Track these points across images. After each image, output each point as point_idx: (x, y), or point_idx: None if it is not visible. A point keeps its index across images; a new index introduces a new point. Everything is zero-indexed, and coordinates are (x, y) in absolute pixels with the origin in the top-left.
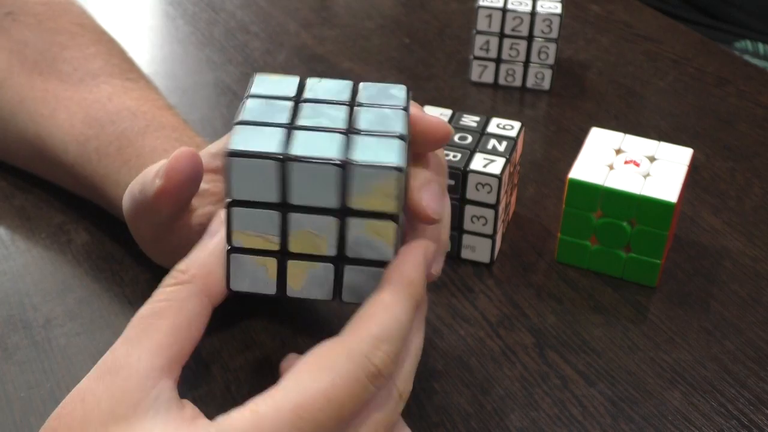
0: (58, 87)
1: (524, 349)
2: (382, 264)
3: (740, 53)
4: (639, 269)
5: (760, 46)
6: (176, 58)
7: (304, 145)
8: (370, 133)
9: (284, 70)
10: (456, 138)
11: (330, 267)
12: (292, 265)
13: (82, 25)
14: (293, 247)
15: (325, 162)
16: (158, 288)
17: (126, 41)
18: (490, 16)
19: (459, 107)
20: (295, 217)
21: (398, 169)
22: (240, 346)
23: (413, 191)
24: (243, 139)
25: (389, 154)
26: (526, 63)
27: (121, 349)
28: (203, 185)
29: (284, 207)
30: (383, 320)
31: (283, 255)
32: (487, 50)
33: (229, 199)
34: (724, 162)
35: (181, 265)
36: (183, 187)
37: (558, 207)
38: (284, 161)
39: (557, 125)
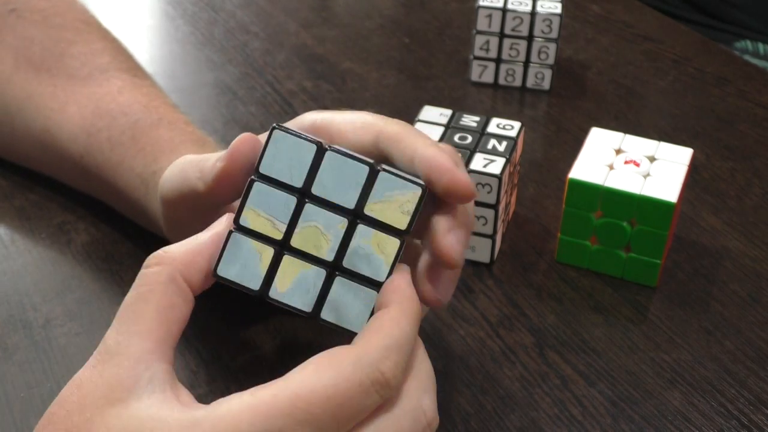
0: (66, 82)
1: (524, 349)
2: (372, 284)
3: (740, 53)
4: (639, 269)
5: (760, 46)
6: (176, 58)
7: (337, 151)
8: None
9: (284, 70)
10: (456, 138)
11: (322, 273)
12: (287, 261)
13: (87, 22)
14: (296, 241)
15: (359, 159)
16: (141, 270)
17: (126, 41)
18: (490, 16)
19: (459, 107)
20: (309, 208)
21: (422, 186)
22: (240, 346)
23: (439, 234)
24: (285, 127)
25: (414, 177)
26: (526, 63)
27: (112, 338)
28: None
29: (304, 195)
30: (392, 332)
31: (282, 247)
32: (487, 50)
33: (254, 175)
34: (724, 162)
35: (164, 248)
36: (244, 170)
37: (558, 207)
38: (322, 147)
39: (557, 125)
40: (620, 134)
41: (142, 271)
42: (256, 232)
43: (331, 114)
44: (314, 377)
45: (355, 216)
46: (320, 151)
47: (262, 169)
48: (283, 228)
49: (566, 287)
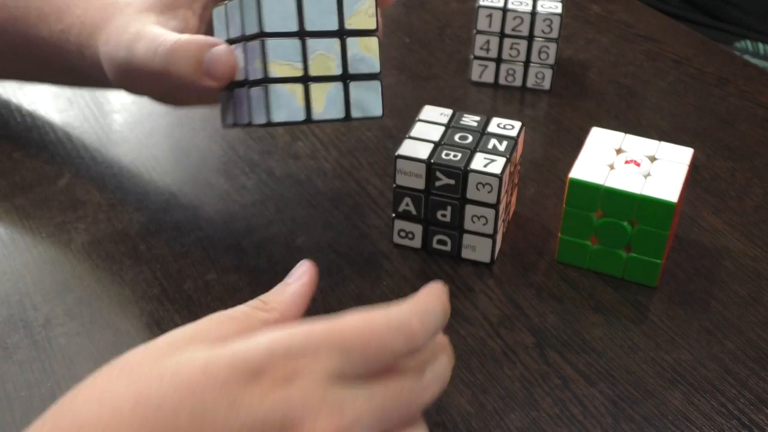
0: None
1: (524, 349)
2: (374, 77)
3: (740, 53)
4: (639, 269)
5: (760, 46)
6: None
7: None
8: None
9: None
10: (456, 137)
11: (340, 85)
12: (313, 88)
13: None
14: (312, 70)
15: None
16: (246, 308)
17: None
18: (490, 15)
19: (459, 107)
20: (310, 42)
21: None
22: None
23: None
24: None
25: None
26: (527, 63)
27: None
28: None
29: (302, 34)
30: (419, 304)
31: (305, 80)
32: (488, 50)
33: (260, 32)
34: (724, 162)
35: (266, 298)
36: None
37: (558, 207)
38: None
39: (557, 125)
40: (621, 134)
41: (248, 310)
42: (284, 77)
43: None
44: (347, 317)
45: (341, 34)
46: None
47: (267, 28)
48: (301, 66)
49: (566, 287)
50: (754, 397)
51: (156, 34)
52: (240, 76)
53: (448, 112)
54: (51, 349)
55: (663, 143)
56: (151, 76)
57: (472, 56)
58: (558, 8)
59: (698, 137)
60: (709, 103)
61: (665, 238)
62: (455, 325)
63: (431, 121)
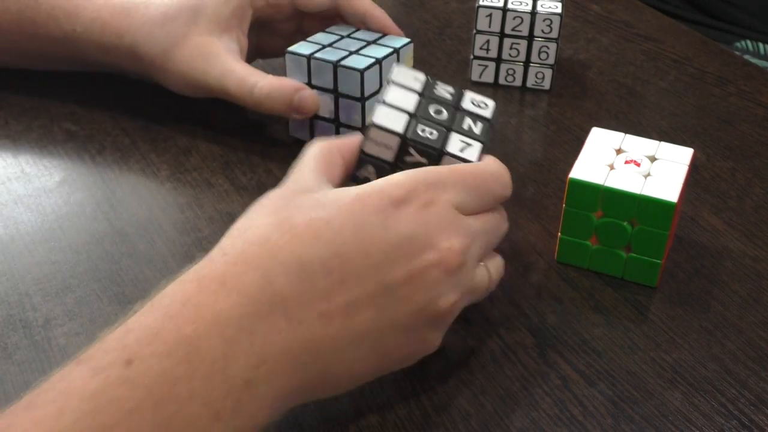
0: None
1: (524, 349)
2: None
3: (740, 53)
4: (639, 269)
5: (761, 46)
6: None
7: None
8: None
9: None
10: (431, 111)
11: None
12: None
13: None
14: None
15: (392, 50)
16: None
17: None
18: (490, 15)
19: None
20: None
21: (410, 39)
22: None
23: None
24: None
25: (395, 39)
26: (527, 63)
27: (294, 178)
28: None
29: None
30: (503, 168)
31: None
32: (488, 50)
33: (361, 97)
34: (724, 162)
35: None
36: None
37: (558, 207)
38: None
39: (557, 125)
40: (621, 134)
41: (305, 151)
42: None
43: None
44: (457, 165)
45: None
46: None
47: (366, 94)
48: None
49: (566, 287)
50: (754, 397)
51: (245, 74)
52: (323, 114)
53: (422, 77)
54: (51, 350)
55: (663, 143)
56: (234, 102)
57: (472, 56)
58: (558, 8)
59: (698, 137)
60: (709, 103)
61: (665, 238)
62: (455, 325)
63: (405, 86)
